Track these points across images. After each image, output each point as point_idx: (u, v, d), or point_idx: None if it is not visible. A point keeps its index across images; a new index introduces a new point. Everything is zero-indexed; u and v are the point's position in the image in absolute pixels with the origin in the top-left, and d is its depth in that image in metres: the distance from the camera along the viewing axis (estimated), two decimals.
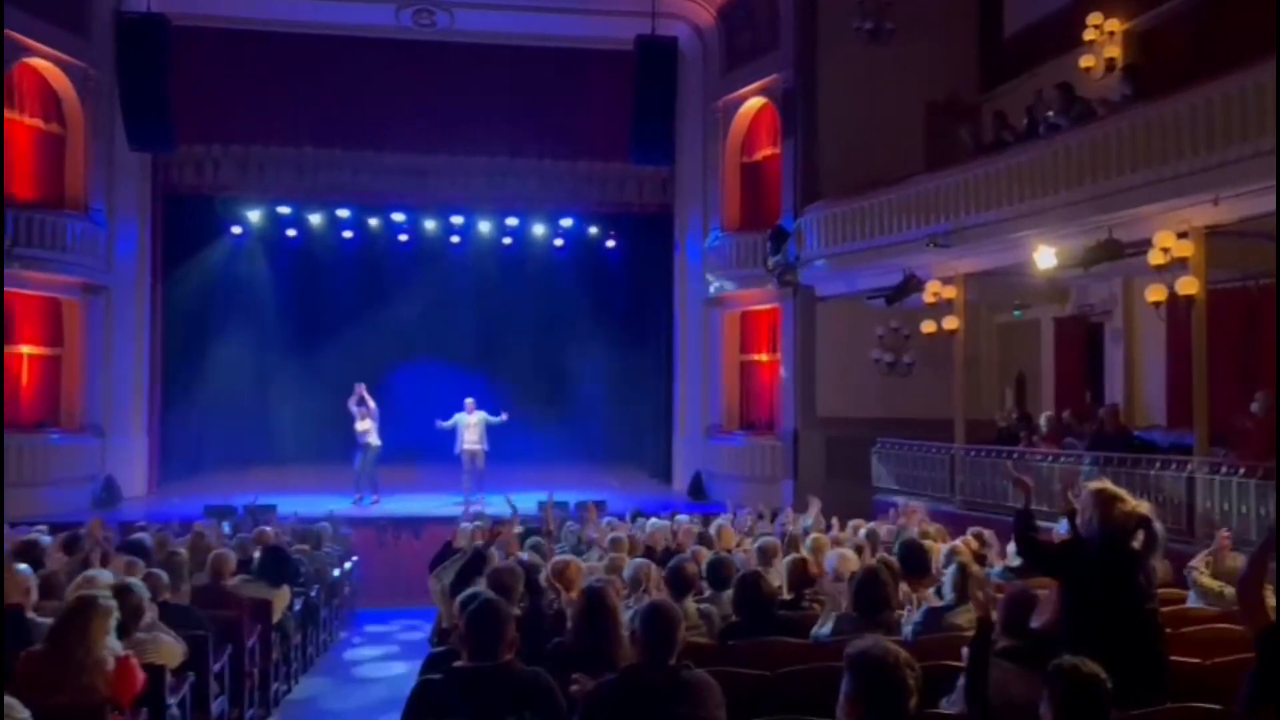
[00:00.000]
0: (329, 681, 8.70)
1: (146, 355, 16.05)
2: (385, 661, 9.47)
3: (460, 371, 17.53)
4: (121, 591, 4.94)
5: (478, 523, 9.48)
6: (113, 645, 4.42)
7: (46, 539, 8.28)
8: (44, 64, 14.76)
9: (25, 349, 14.95)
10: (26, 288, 14.66)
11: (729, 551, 7.03)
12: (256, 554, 8.03)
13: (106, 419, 15.54)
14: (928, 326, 12.78)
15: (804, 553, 6.42)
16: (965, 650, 3.48)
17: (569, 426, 18.18)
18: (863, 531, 8.34)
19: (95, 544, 7.41)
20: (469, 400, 15.11)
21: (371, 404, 14.86)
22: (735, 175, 16.86)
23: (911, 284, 12.68)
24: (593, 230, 18.55)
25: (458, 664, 3.40)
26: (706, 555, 6.36)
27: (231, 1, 15.21)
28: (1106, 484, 4.34)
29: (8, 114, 14.24)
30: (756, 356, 16.90)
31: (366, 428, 14.74)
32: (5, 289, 14.27)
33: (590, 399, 18.71)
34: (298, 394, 18.13)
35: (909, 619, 5.10)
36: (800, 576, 5.80)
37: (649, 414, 18.32)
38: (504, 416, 14.88)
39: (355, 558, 12.11)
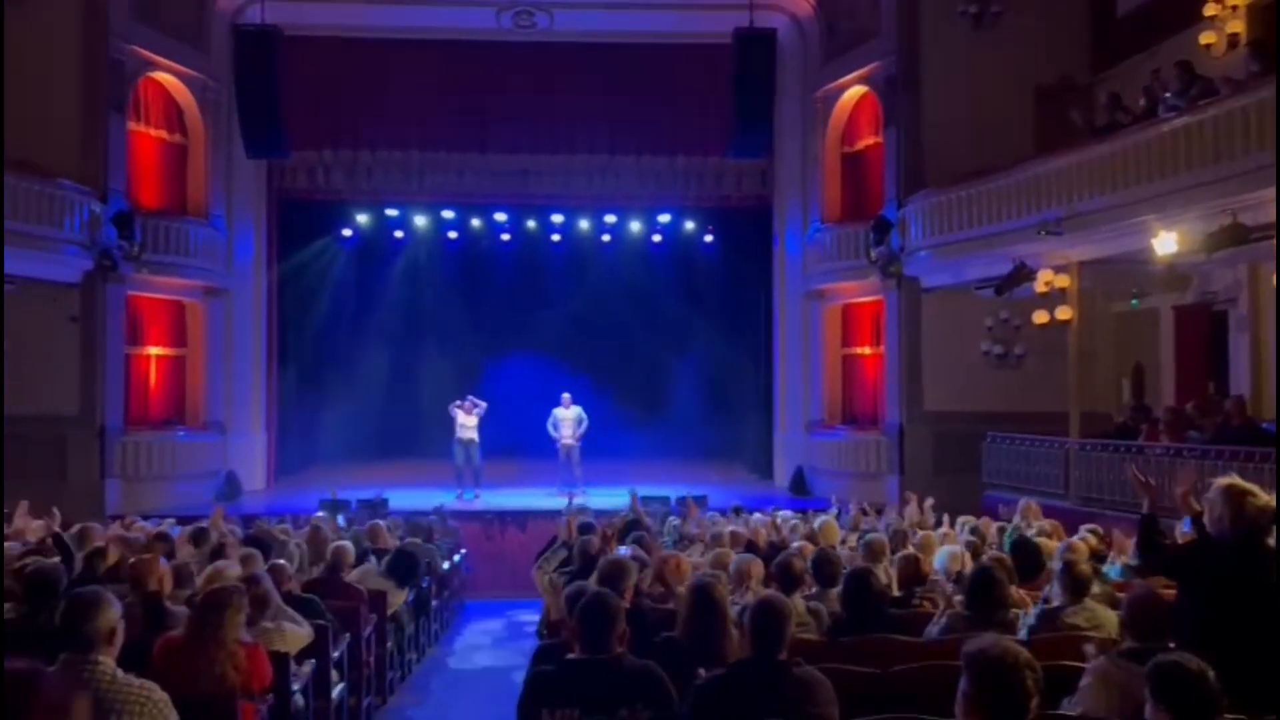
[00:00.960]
0: (441, 671, 8.92)
1: (264, 355, 16.70)
2: (494, 651, 9.67)
3: (560, 368, 17.75)
4: (248, 582, 5.17)
5: (582, 517, 9.60)
6: (240, 631, 4.63)
7: (175, 530, 8.74)
8: (167, 78, 15.48)
9: (153, 350, 15.73)
10: (153, 291, 15.42)
11: (833, 548, 6.97)
12: (369, 547, 8.31)
13: (228, 416, 16.23)
14: (1039, 317, 12.41)
15: (912, 550, 6.32)
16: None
17: (668, 421, 18.22)
18: (971, 528, 8.15)
19: (220, 534, 7.76)
20: (565, 395, 15.30)
21: (481, 405, 15.11)
22: (836, 166, 16.65)
23: (1022, 273, 12.33)
24: (690, 225, 18.54)
25: (570, 656, 3.45)
26: (812, 551, 6.30)
27: (340, 10, 15.68)
28: (1235, 479, 4.15)
29: (134, 126, 15.00)
30: (859, 350, 16.66)
31: (468, 424, 15.03)
32: (136, 294, 15.07)
33: (689, 394, 18.71)
34: (405, 390, 18.64)
35: (1024, 619, 4.97)
36: (911, 574, 5.71)
37: (749, 409, 18.23)
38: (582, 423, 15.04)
39: (464, 550, 12.38)
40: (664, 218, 18.36)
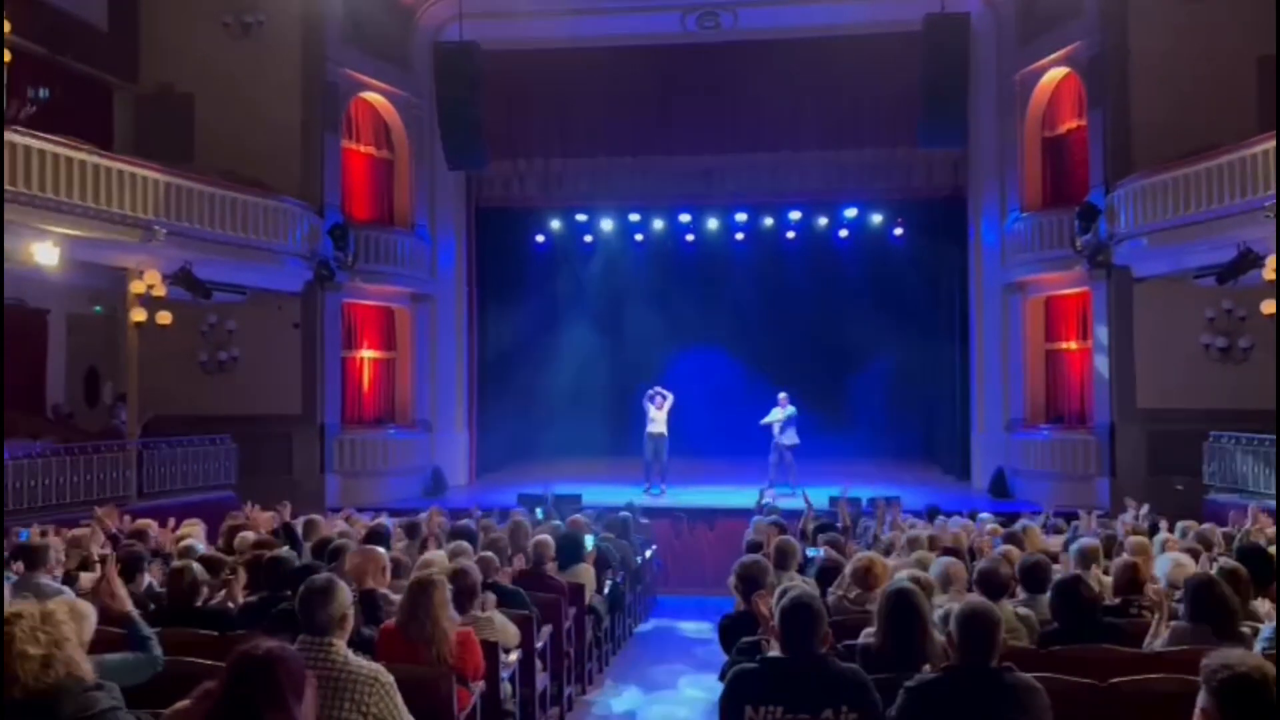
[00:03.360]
0: (637, 663, 9.11)
1: (465, 357, 17.55)
2: (687, 646, 9.76)
3: (748, 367, 17.76)
4: (458, 573, 5.45)
5: (773, 517, 9.58)
6: (453, 619, 4.88)
7: (389, 523, 9.30)
8: (376, 97, 16.53)
9: (366, 354, 16.82)
10: (365, 299, 16.49)
11: (1042, 553, 6.65)
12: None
13: (434, 415, 17.15)
14: (1268, 307, 11.43)
15: (1128, 556, 5.96)
16: None
17: (856, 421, 17.89)
18: (1196, 534, 7.60)
19: (432, 530, 8.21)
20: (782, 395, 15.24)
21: (669, 398, 15.33)
22: (1036, 152, 15.88)
23: (1248, 259, 11.41)
24: (878, 218, 18.16)
25: (773, 655, 3.47)
26: (1018, 556, 6.05)
27: (532, 25, 16.23)
28: None
29: (347, 144, 16.08)
30: (1064, 344, 15.82)
31: (658, 418, 15.24)
32: (351, 301, 16.15)
33: (880, 392, 18.28)
34: (596, 390, 19.11)
35: (1263, 633, 4.59)
36: (1128, 582, 5.39)
37: (944, 407, 17.64)
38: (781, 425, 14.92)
39: (654, 546, 12.58)
40: (851, 212, 18.05)
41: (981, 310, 16.47)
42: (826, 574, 6.07)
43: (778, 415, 15.07)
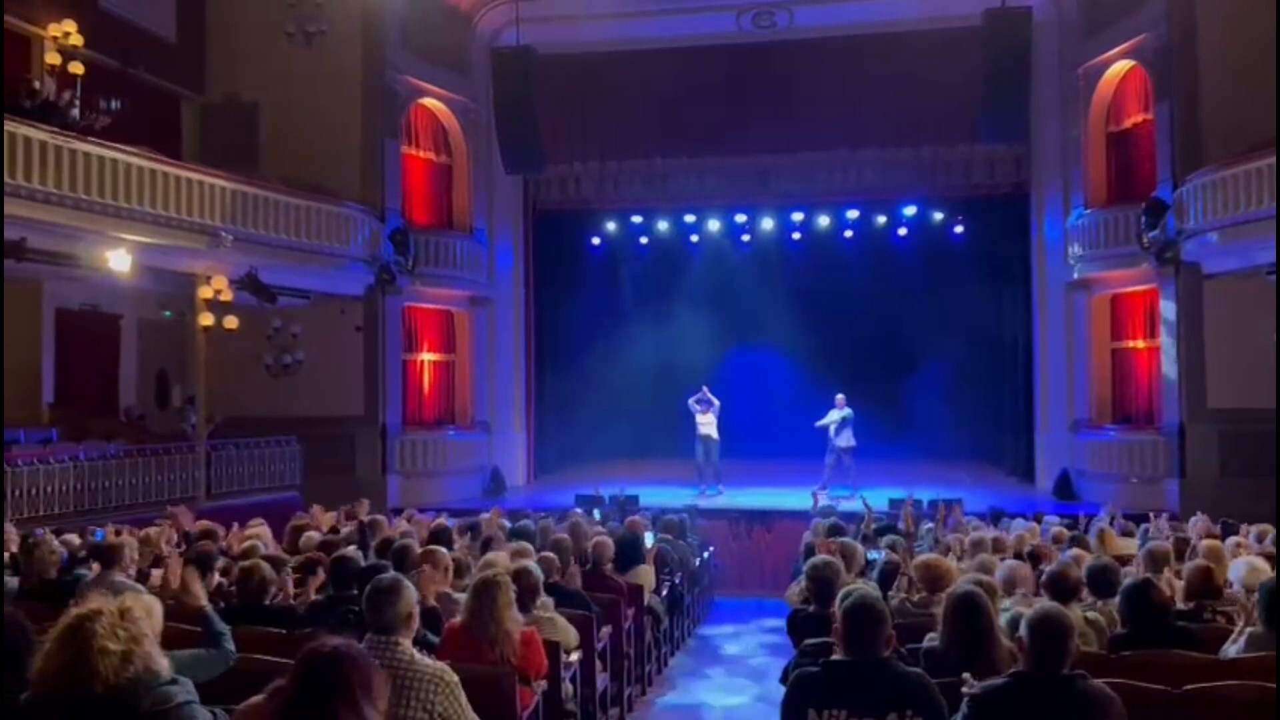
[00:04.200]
0: (696, 664, 9.10)
1: (523, 359, 17.71)
2: (746, 648, 9.73)
3: (805, 367, 17.62)
4: (520, 573, 5.49)
5: (832, 519, 9.51)
6: (517, 618, 4.92)
7: (450, 523, 9.40)
8: (434, 103, 16.75)
9: (426, 356, 17.05)
10: (425, 302, 16.72)
11: (1111, 556, 6.51)
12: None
13: (492, 417, 17.32)
14: None
15: (1201, 560, 5.81)
16: None
17: (917, 422, 17.63)
18: (1270, 538, 7.38)
19: (493, 530, 8.29)
20: (839, 396, 15.13)
21: (715, 401, 15.29)
22: (1100, 147, 15.55)
23: None
24: (938, 216, 17.93)
25: (836, 657, 3.45)
26: (1086, 559, 5.93)
27: (587, 28, 16.32)
28: None
29: (406, 150, 16.30)
30: (1130, 343, 15.46)
31: (706, 421, 15.20)
32: (411, 304, 16.38)
33: (940, 391, 17.97)
34: (651, 391, 19.09)
35: None
36: (1202, 586, 5.25)
37: (1006, 407, 17.35)
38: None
39: (712, 548, 12.55)
40: (909, 210, 17.86)
41: (1045, 309, 16.17)
42: (888, 577, 6.01)
43: (834, 417, 14.94)
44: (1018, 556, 6.63)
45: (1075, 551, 6.45)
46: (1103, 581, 5.23)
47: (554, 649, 5.22)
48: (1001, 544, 7.44)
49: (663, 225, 18.78)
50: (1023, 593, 5.00)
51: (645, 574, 7.88)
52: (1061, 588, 4.81)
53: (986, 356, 17.72)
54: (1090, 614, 4.88)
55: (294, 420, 14.54)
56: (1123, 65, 15.00)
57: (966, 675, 3.26)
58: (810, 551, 7.05)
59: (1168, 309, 14.13)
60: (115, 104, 13.88)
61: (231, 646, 4.14)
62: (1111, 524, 9.00)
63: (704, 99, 16.49)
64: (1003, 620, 4.16)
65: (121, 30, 14.07)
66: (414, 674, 3.69)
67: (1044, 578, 5.05)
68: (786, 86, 16.26)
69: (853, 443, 14.79)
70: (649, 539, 8.35)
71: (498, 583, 4.81)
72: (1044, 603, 3.91)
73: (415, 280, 15.86)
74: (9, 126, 10.11)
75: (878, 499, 12.71)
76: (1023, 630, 3.26)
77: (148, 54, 14.50)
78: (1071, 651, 3.22)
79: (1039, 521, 9.51)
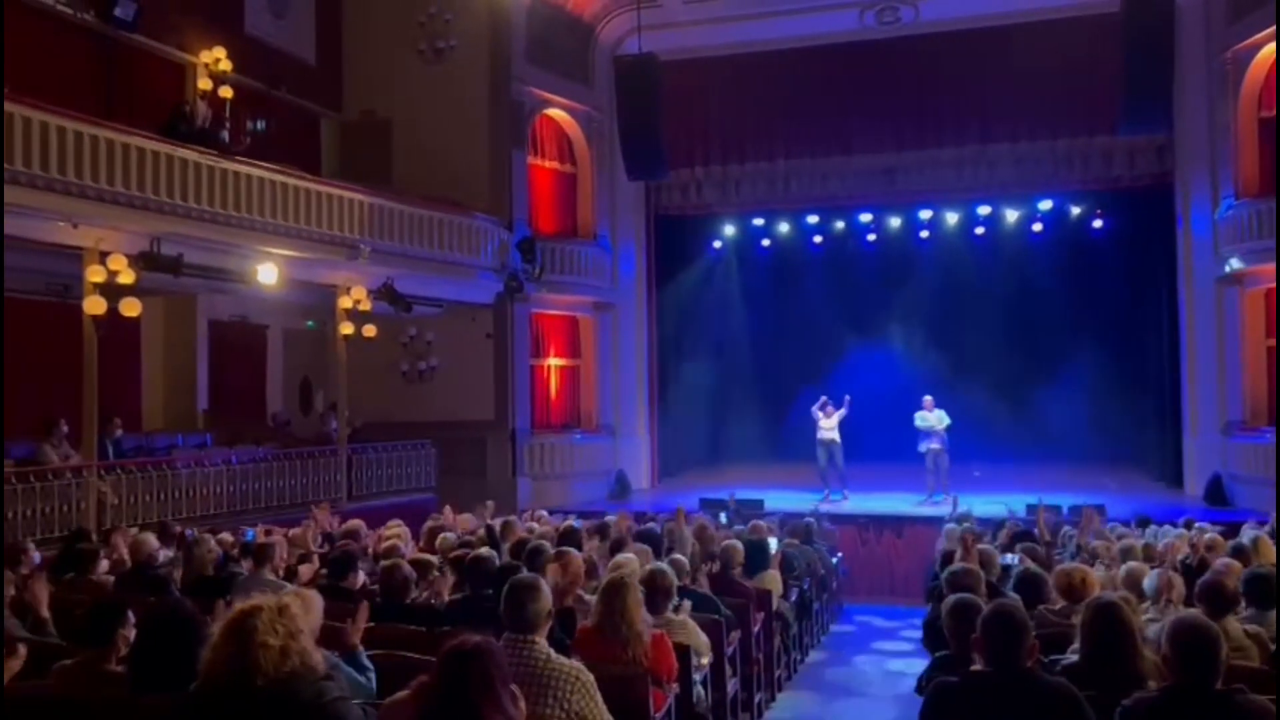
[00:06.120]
0: (825, 671, 8.99)
1: (646, 363, 17.84)
2: (877, 656, 9.57)
3: (933, 369, 17.20)
4: (654, 575, 5.54)
5: (966, 525, 9.26)
6: (647, 620, 4.96)
7: (577, 524, 9.55)
8: (560, 114, 17.09)
9: (552, 361, 17.38)
10: (551, 308, 17.05)
11: (1266, 565, 6.14)
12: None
13: (617, 420, 17.52)
14: None
15: None
16: None
17: (1055, 423, 16.99)
18: None
19: (621, 533, 8.39)
20: (927, 398, 14.80)
21: (843, 408, 15.05)
22: (1252, 134, 14.68)
23: None
24: (1075, 211, 17.27)
25: (976, 669, 3.36)
26: (1239, 569, 5.62)
27: (709, 32, 16.36)
28: None
29: (532, 160, 16.65)
30: None
31: (828, 425, 14.98)
32: (538, 311, 16.72)
33: (1079, 393, 17.27)
34: (774, 394, 18.97)
35: None
36: None
37: (1151, 409, 16.55)
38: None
39: (840, 553, 12.39)
40: (1045, 205, 17.26)
41: (1192, 305, 15.36)
42: (1024, 584, 5.81)
43: (925, 418, 14.59)
44: (1169, 565, 6.33)
45: (1226, 561, 6.11)
46: (1261, 592, 4.94)
47: (685, 652, 5.25)
48: (1151, 552, 7.11)
49: (784, 227, 18.65)
50: (1173, 603, 4.77)
51: (772, 579, 7.83)
52: (1218, 599, 4.57)
53: (1128, 356, 16.98)
54: (1250, 627, 4.62)
55: (428, 425, 15.02)
56: (1274, 48, 14.12)
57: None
58: (947, 559, 6.89)
59: None
60: (260, 124, 14.66)
61: (374, 687, 4.22)
62: (1271, 533, 8.48)
63: (826, 98, 16.33)
64: (1150, 632, 3.99)
65: (266, 55, 14.83)
66: (550, 672, 3.73)
67: (1198, 588, 4.81)
68: (912, 81, 15.95)
69: (937, 446, 14.56)
70: (772, 544, 8.30)
71: (626, 584, 4.84)
72: (1190, 612, 3.74)
73: (542, 287, 16.20)
74: (166, 150, 10.77)
75: (1015, 505, 12.32)
76: (1164, 641, 3.12)
77: (290, 76, 15.24)
78: (1221, 664, 3.06)
79: (1189, 528, 9.06)
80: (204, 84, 13.24)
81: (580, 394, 17.69)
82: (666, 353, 18.19)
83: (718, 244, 19.03)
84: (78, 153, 9.77)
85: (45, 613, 5.20)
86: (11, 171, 9.10)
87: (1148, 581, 4.99)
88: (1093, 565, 6.76)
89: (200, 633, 3.28)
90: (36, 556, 7.06)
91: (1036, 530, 9.35)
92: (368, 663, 4.32)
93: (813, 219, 18.43)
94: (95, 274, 10.01)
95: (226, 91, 13.10)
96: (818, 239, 18.84)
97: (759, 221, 18.64)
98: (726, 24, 16.22)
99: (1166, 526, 9.40)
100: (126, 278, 10.10)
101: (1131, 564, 5.84)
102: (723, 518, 11.52)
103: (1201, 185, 15.16)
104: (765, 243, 19.10)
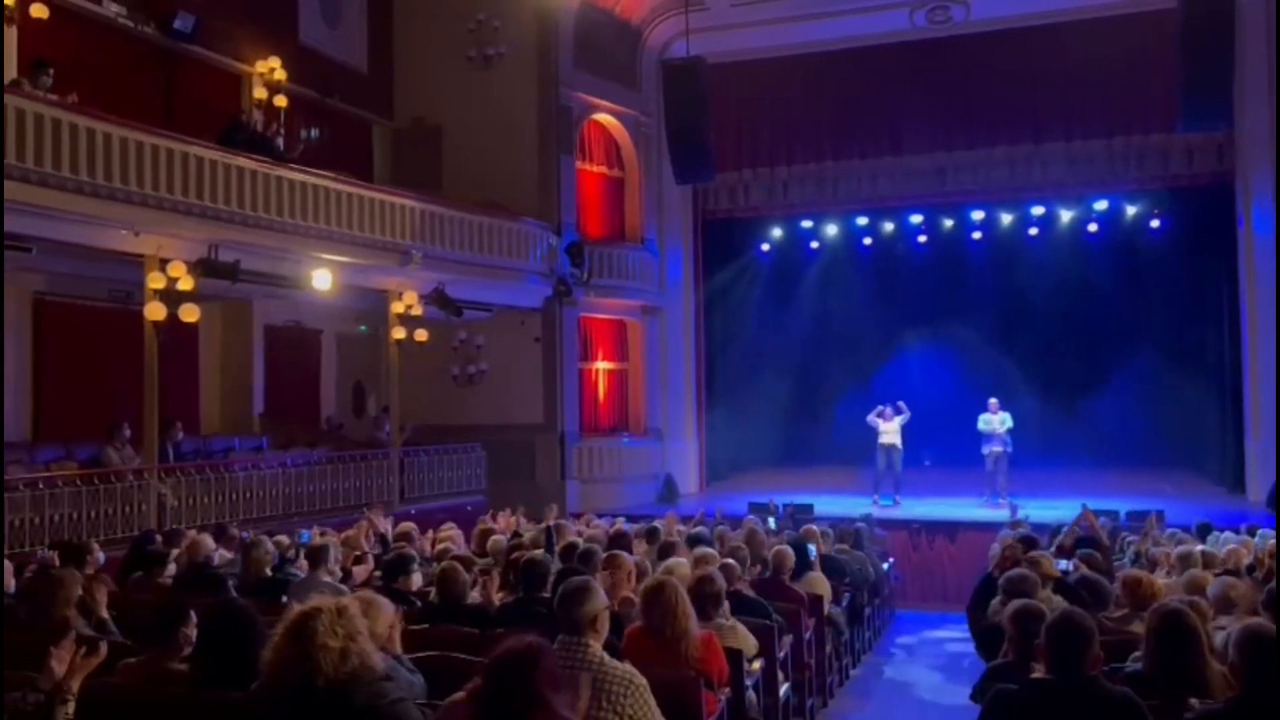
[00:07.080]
0: (877, 677, 8.91)
1: (694, 366, 17.84)
2: (929, 663, 9.46)
3: (986, 371, 16.96)
4: (702, 580, 5.52)
5: (1021, 530, 9.12)
6: (693, 622, 4.93)
7: (626, 528, 9.57)
8: (607, 119, 17.16)
9: (601, 364, 17.43)
10: (599, 312, 17.10)
11: None
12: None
13: (664, 424, 17.52)
14: None
15: None
16: None
17: (1110, 428, 16.69)
18: None
19: (672, 536, 8.38)
20: (992, 401, 14.61)
21: (905, 413, 14.89)
22: None
23: None
24: (1131, 210, 16.93)
25: (1037, 676, 3.31)
26: None
27: (757, 34, 16.31)
28: None
29: (580, 165, 16.73)
30: None
31: (889, 430, 14.84)
32: (586, 315, 16.78)
33: (1136, 395, 16.94)
34: (823, 398, 18.86)
35: None
36: None
37: (1212, 412, 16.16)
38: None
39: (891, 559, 12.26)
40: (1100, 205, 16.96)
41: (1254, 305, 14.97)
42: (1088, 590, 5.71)
43: (989, 420, 14.40)
44: (1234, 572, 6.18)
45: None
46: None
47: (735, 656, 5.23)
48: (1212, 559, 6.94)
49: (833, 229, 18.50)
50: (1240, 613, 4.66)
51: (818, 581, 7.75)
52: None
53: (1187, 358, 16.59)
54: None
55: (478, 428, 15.14)
56: None
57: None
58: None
59: None
60: (314, 132, 14.90)
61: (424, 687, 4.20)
62: None
63: (875, 98, 16.20)
64: (1218, 641, 3.90)
65: (319, 64, 15.06)
66: (604, 675, 3.72)
67: (1264, 595, 4.70)
68: (963, 81, 15.79)
69: (999, 449, 14.40)
70: (810, 549, 8.22)
71: (668, 586, 4.80)
72: (1257, 621, 3.65)
73: (590, 291, 16.25)
74: (224, 158, 10.99)
75: (1070, 511, 12.09)
76: (1230, 650, 3.05)
77: (343, 84, 15.47)
78: None
79: (1253, 535, 8.83)
80: (260, 93, 13.50)
81: (628, 397, 17.71)
82: (714, 356, 18.15)
83: (765, 246, 18.91)
84: (139, 162, 10.01)
85: (104, 613, 5.34)
86: (76, 181, 9.39)
87: (1211, 589, 4.87)
88: (1153, 573, 6.62)
89: (260, 633, 3.34)
90: (101, 557, 7.23)
91: (1093, 535, 9.17)
92: (411, 666, 4.36)
93: (862, 220, 18.27)
94: (155, 280, 10.25)
95: (281, 100, 13.34)
96: (867, 241, 18.66)
97: (807, 223, 18.51)
98: (774, 26, 16.16)
99: (1228, 533, 9.17)
100: (186, 284, 10.33)
101: (1193, 571, 5.71)
102: (771, 522, 11.45)
103: (1263, 183, 14.78)
104: (814, 245, 18.96)
